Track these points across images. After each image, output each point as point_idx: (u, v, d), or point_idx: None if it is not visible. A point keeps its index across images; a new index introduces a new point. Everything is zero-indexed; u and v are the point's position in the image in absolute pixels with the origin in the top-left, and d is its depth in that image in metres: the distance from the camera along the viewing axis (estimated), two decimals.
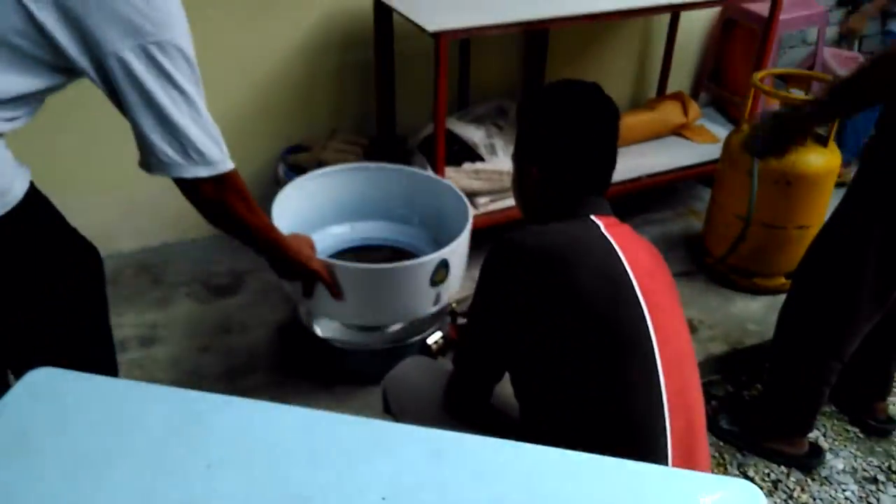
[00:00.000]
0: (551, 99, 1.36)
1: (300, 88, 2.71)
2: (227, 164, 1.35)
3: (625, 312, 1.21)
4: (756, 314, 2.52)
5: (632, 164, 2.95)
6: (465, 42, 2.84)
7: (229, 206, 1.42)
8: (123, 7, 1.12)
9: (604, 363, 1.20)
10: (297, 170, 2.59)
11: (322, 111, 2.79)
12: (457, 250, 1.98)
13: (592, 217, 1.32)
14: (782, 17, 2.92)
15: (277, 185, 2.70)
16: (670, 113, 3.20)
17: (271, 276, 2.54)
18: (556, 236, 1.27)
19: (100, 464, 0.90)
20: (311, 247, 1.85)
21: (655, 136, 3.17)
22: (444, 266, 1.97)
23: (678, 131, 3.22)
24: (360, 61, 2.74)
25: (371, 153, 2.70)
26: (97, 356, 1.49)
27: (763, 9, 2.94)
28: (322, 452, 0.93)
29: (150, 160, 1.28)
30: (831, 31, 3.63)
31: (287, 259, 1.71)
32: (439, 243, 2.08)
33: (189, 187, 1.34)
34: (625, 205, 2.90)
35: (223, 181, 1.36)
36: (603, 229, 1.30)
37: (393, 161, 2.77)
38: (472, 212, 2.10)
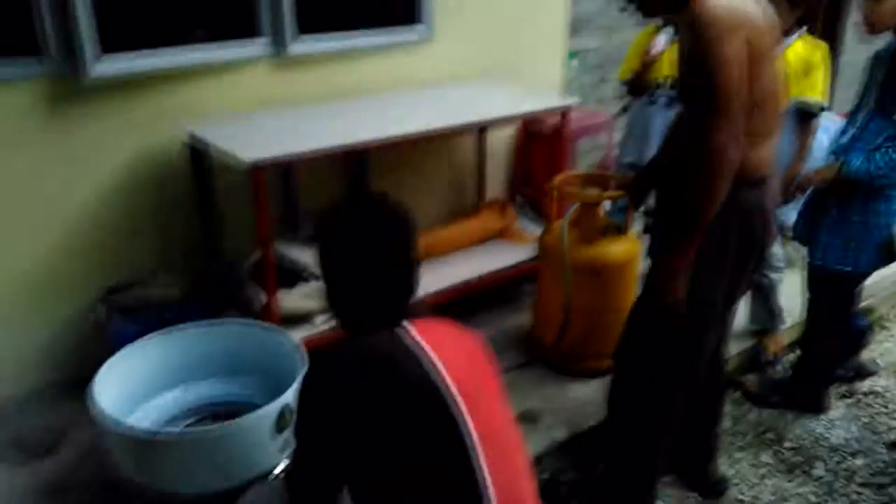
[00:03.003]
0: (336, 216, 1.42)
1: (119, 227, 2.63)
2: None
3: (437, 419, 1.24)
4: (592, 396, 2.65)
5: (460, 269, 3.09)
6: (287, 169, 2.91)
7: None
8: None
9: (425, 475, 1.22)
10: (121, 310, 2.48)
11: (143, 248, 2.71)
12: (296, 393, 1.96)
13: (402, 326, 1.34)
14: (574, 126, 3.27)
15: (98, 328, 2.56)
16: (489, 219, 3.42)
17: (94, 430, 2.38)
18: (362, 356, 1.29)
19: None
20: None
21: (478, 241, 3.35)
22: (287, 411, 1.94)
23: (499, 235, 3.43)
24: (180, 196, 2.71)
25: (199, 285, 2.65)
26: None
27: (556, 121, 3.28)
28: None
29: None
30: (618, 137, 4.09)
31: None
32: (275, 389, 2.05)
33: None
34: (459, 307, 3.01)
35: None
36: (414, 336, 1.32)
37: (224, 290, 2.74)
38: (304, 353, 2.09)
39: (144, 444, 1.85)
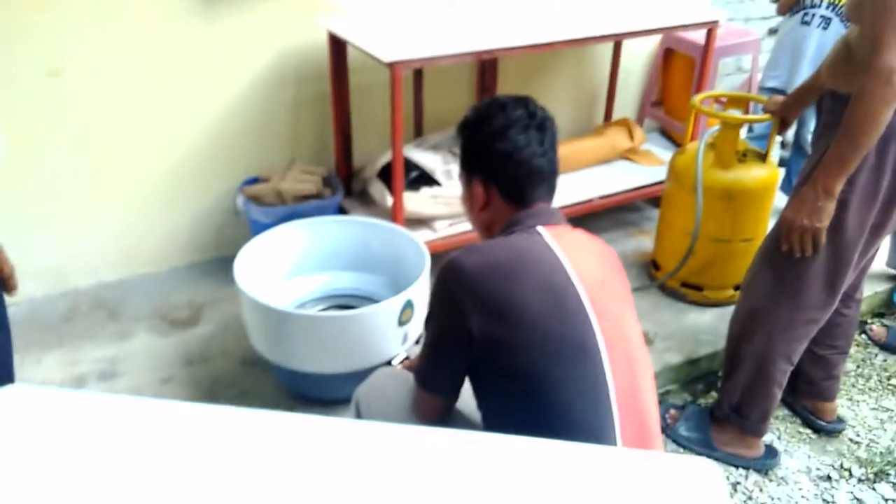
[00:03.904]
0: (483, 112, 1.42)
1: (257, 121, 2.75)
2: None
3: (569, 323, 1.26)
4: (707, 325, 2.61)
5: (582, 186, 3.06)
6: (418, 74, 2.92)
7: None
8: None
9: (550, 374, 1.24)
10: (256, 201, 2.62)
11: (279, 143, 2.82)
12: (419, 290, 2.05)
13: (539, 227, 1.36)
14: (717, 44, 3.09)
15: (236, 215, 2.72)
16: (617, 138, 3.33)
17: (232, 307, 2.56)
18: (498, 253, 1.31)
19: (75, 478, 0.90)
20: None
21: (604, 160, 3.28)
22: (409, 306, 2.03)
23: (625, 155, 3.34)
24: (315, 93, 2.79)
25: (330, 181, 2.75)
26: None
27: (699, 37, 3.10)
28: (301, 452, 0.96)
29: None
30: (763, 59, 3.83)
31: None
32: (396, 286, 2.14)
33: None
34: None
35: None
36: (549, 239, 1.34)
37: (350, 190, 2.83)
38: (427, 253, 2.17)
39: (281, 322, 1.98)
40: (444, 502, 0.88)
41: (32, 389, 1.04)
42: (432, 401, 1.42)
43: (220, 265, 2.80)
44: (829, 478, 2.16)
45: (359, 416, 1.55)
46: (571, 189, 3.01)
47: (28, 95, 2.35)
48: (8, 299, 1.65)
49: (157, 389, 2.23)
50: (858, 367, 2.61)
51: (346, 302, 2.41)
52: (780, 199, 3.19)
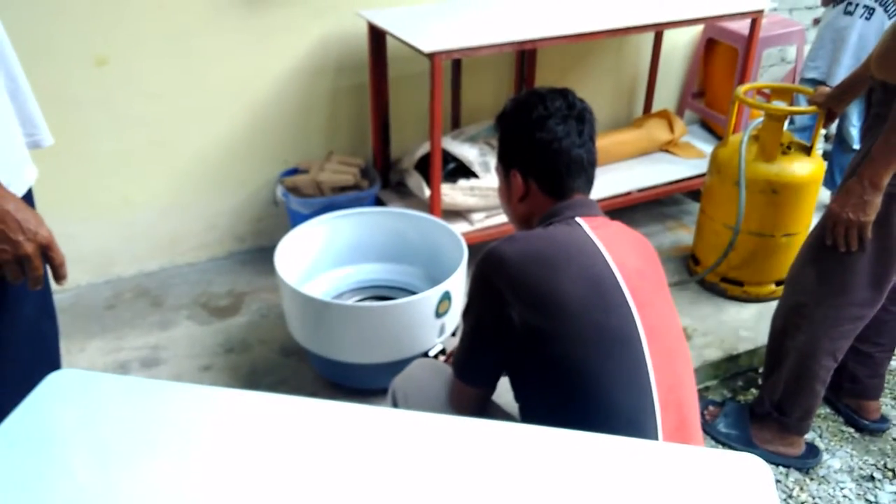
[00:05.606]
0: (522, 103, 1.42)
1: (296, 112, 2.77)
2: None
3: (611, 313, 1.24)
4: (748, 321, 2.57)
5: (621, 179, 3.03)
6: (456, 65, 2.91)
7: None
8: None
9: (591, 364, 1.23)
10: (295, 191, 2.64)
11: (317, 133, 2.84)
12: (457, 281, 2.05)
13: (577, 219, 1.35)
14: (761, 35, 3.02)
15: (276, 205, 2.75)
16: (657, 130, 3.28)
17: (271, 296, 2.59)
18: (539, 243, 1.31)
19: (123, 458, 0.93)
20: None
21: (643, 152, 3.24)
22: (447, 297, 2.03)
23: (665, 148, 3.29)
24: (354, 85, 2.80)
25: (367, 173, 2.76)
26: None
27: (743, 27, 3.05)
28: (339, 440, 0.97)
29: None
30: (808, 50, 3.75)
31: None
32: (433, 278, 2.12)
33: None
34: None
35: None
36: (588, 230, 1.33)
37: (387, 181, 2.84)
38: (465, 245, 2.17)
39: (320, 312, 1.99)
40: (481, 493, 0.88)
41: (80, 374, 1.07)
42: (469, 391, 1.41)
43: (258, 255, 2.84)
44: (872, 478, 2.11)
45: (395, 406, 1.56)
46: (610, 182, 2.98)
47: (75, 84, 2.40)
48: (54, 287, 1.69)
49: (198, 377, 2.27)
50: None
51: (383, 293, 2.42)
52: (825, 194, 3.12)
